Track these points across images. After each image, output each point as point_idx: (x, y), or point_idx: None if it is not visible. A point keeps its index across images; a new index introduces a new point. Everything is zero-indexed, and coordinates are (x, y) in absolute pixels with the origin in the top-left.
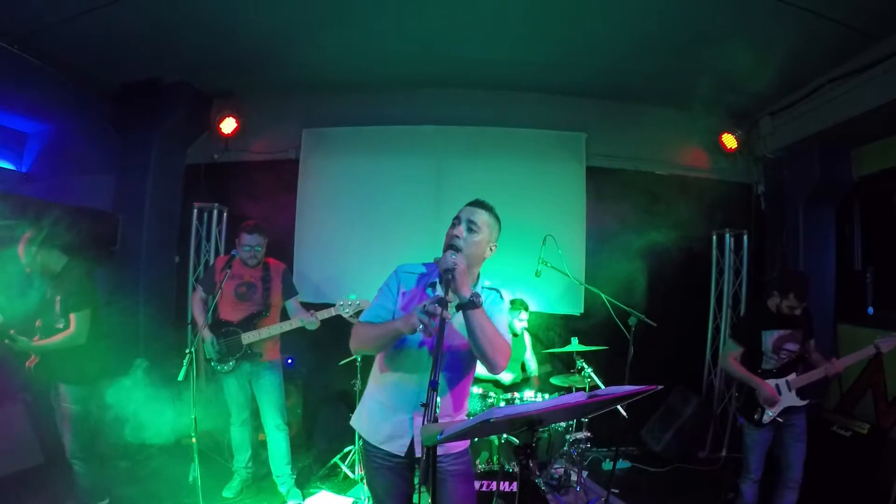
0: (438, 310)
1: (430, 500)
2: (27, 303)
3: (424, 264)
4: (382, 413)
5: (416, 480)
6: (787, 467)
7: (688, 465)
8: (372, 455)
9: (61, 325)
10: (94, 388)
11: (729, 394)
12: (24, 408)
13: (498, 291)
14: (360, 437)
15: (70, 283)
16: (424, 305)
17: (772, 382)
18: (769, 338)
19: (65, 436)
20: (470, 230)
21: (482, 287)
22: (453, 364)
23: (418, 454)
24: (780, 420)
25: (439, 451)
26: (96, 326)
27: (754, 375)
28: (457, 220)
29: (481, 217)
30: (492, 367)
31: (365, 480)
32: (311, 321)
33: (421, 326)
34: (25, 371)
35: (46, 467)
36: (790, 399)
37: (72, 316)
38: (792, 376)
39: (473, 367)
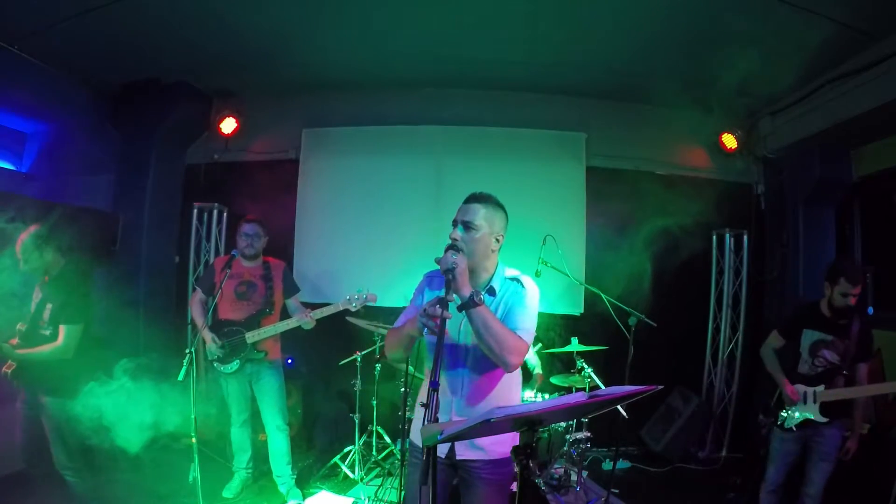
0: (438, 310)
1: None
2: (15, 304)
3: None
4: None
5: (454, 482)
6: (807, 482)
7: (688, 465)
8: (415, 454)
9: (48, 333)
10: (80, 398)
11: (729, 393)
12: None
13: (519, 281)
14: (409, 444)
15: (64, 292)
16: (425, 307)
17: (800, 388)
18: (808, 338)
19: (53, 446)
20: (467, 230)
21: (503, 277)
22: (479, 360)
23: (459, 457)
24: (795, 430)
25: (474, 455)
26: (87, 338)
27: (782, 373)
28: (454, 223)
29: (477, 213)
30: (503, 366)
31: (403, 482)
32: (307, 321)
33: (425, 329)
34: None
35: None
36: (810, 411)
37: (61, 328)
38: (821, 388)
39: None
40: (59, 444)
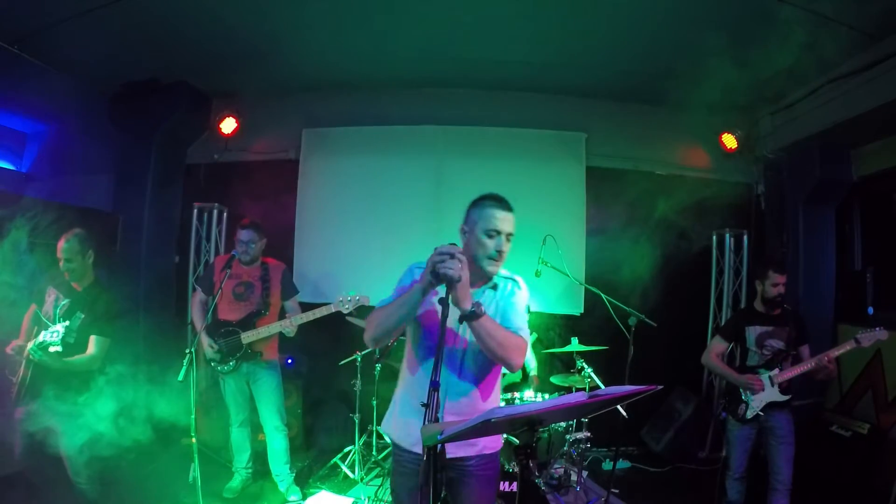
0: (455, 260)
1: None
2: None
3: None
4: (415, 414)
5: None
6: (776, 471)
7: (688, 465)
8: (401, 459)
9: (71, 340)
10: (89, 404)
11: None
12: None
13: (515, 280)
14: (391, 441)
15: (100, 305)
16: (438, 249)
17: (758, 377)
18: (753, 333)
19: (68, 457)
20: (507, 240)
21: (500, 276)
22: (477, 356)
23: (450, 455)
24: (762, 414)
25: (467, 452)
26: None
27: (732, 369)
28: (494, 232)
29: (513, 222)
30: (508, 367)
31: (389, 485)
32: (288, 328)
33: (436, 276)
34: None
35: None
36: (772, 394)
37: (92, 338)
38: (775, 371)
39: None
40: (75, 454)
